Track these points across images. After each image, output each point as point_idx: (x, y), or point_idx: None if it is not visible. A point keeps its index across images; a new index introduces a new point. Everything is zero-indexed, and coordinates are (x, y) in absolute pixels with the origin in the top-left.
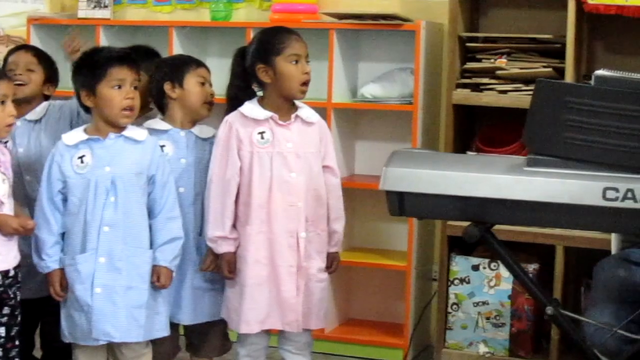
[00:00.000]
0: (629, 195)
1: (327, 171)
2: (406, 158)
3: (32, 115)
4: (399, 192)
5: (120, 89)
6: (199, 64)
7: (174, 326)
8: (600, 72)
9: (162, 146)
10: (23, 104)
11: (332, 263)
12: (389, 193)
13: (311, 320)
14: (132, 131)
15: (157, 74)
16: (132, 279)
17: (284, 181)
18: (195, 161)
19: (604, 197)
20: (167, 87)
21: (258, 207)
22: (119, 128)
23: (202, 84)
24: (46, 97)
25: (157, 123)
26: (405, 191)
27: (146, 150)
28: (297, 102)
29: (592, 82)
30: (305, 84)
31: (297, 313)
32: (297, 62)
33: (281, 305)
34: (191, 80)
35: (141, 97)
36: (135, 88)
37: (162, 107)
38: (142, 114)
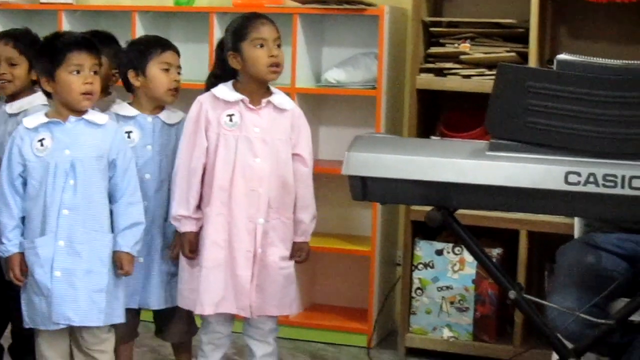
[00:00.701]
0: (591, 179)
1: (297, 160)
2: (369, 143)
3: (10, 108)
4: (362, 176)
5: (79, 74)
6: (165, 48)
7: (134, 312)
8: (562, 56)
9: (128, 132)
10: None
11: (298, 252)
12: (351, 178)
13: (273, 307)
14: (93, 115)
15: (124, 58)
16: (92, 262)
17: (248, 165)
18: (161, 148)
19: (566, 182)
20: (130, 75)
21: (219, 189)
22: (80, 112)
23: (167, 70)
24: (34, 83)
25: (124, 108)
26: (368, 176)
27: (107, 134)
28: (272, 89)
29: (554, 66)
30: (274, 66)
31: (250, 298)
32: (262, 45)
33: (236, 289)
34: (154, 68)
35: (101, 82)
36: (95, 73)
37: (130, 90)
38: (101, 98)
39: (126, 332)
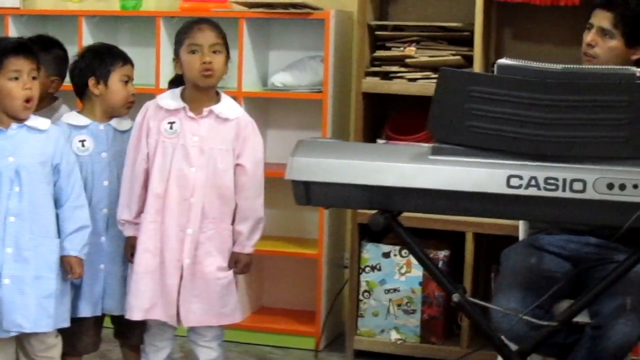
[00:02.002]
0: (533, 182)
1: (239, 170)
2: (312, 147)
3: None
4: (305, 181)
5: (17, 80)
6: (126, 60)
7: (99, 319)
8: (502, 61)
9: (82, 141)
10: None
11: (235, 263)
12: (294, 182)
13: (212, 317)
14: (34, 121)
15: (81, 63)
16: (40, 268)
17: (182, 174)
18: (115, 154)
19: (508, 185)
20: (90, 82)
21: (154, 196)
22: (20, 119)
23: (126, 82)
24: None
25: (76, 118)
26: (311, 180)
27: (50, 139)
28: (223, 96)
29: (494, 70)
30: (205, 71)
31: (176, 308)
32: (194, 52)
33: (165, 297)
34: (116, 79)
35: (40, 88)
36: (34, 78)
37: (82, 96)
38: (47, 105)
39: (90, 343)
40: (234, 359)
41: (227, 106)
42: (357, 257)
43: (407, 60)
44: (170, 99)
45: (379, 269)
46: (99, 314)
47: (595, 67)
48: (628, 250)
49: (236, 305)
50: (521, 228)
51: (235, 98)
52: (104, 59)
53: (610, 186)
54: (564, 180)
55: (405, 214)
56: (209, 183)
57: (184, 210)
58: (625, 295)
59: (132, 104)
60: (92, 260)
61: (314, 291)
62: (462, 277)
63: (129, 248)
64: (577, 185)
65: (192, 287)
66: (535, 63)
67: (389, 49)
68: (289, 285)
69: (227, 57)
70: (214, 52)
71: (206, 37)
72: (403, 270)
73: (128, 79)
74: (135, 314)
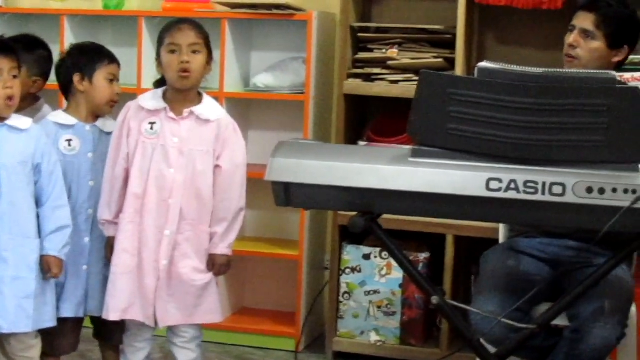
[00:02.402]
0: (512, 185)
1: (217, 171)
2: (292, 149)
3: None
4: (285, 182)
5: None
6: (112, 59)
7: (79, 320)
8: (482, 64)
9: (69, 140)
10: None
11: (211, 264)
12: (274, 184)
13: (188, 318)
14: (15, 120)
15: (68, 61)
16: (19, 269)
17: (161, 176)
18: (101, 155)
19: (488, 188)
20: (76, 78)
21: (133, 196)
22: (2, 118)
23: (111, 80)
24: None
25: (62, 117)
26: (291, 182)
27: (30, 138)
28: (204, 98)
29: (475, 74)
30: (182, 71)
31: (153, 308)
32: (174, 51)
33: (142, 298)
34: (101, 77)
35: (22, 87)
36: (15, 77)
37: (67, 94)
38: (29, 105)
39: (70, 344)
40: None
41: (208, 107)
42: (337, 258)
43: (389, 62)
44: (152, 99)
45: (359, 271)
46: (81, 315)
47: (575, 71)
48: (607, 253)
49: (215, 305)
50: (501, 231)
51: (217, 99)
52: (90, 56)
53: (589, 190)
54: (544, 184)
55: (386, 215)
56: (187, 185)
57: (162, 211)
58: (604, 298)
59: (115, 103)
60: (75, 261)
61: (295, 292)
62: (442, 279)
63: (109, 248)
64: (557, 189)
65: (168, 287)
66: (515, 66)
67: (371, 50)
68: (270, 286)
69: (209, 58)
70: (193, 52)
71: (185, 37)
72: (383, 272)
73: (113, 78)
74: (112, 314)
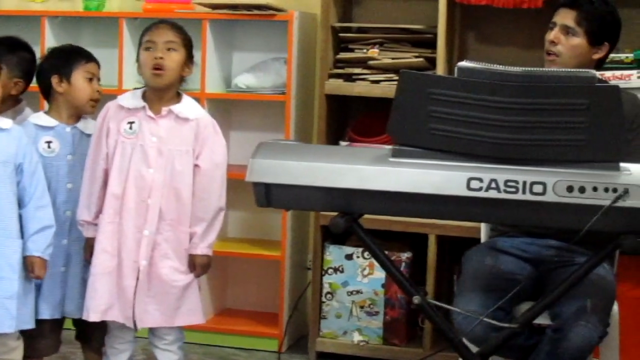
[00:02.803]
0: (493, 185)
1: (196, 171)
2: (272, 149)
3: None
4: (265, 183)
5: None
6: (90, 58)
7: (59, 321)
8: (462, 63)
9: (48, 142)
10: None
11: (193, 265)
12: (255, 184)
13: (169, 319)
14: None
15: (45, 64)
16: (2, 269)
17: (140, 176)
18: (81, 157)
19: (468, 188)
20: (54, 80)
21: (113, 197)
22: None
23: (90, 79)
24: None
25: (43, 119)
26: (271, 182)
27: (11, 138)
28: (183, 97)
29: (455, 73)
30: (155, 68)
31: (133, 308)
32: (149, 49)
33: (121, 298)
34: (79, 76)
35: (3, 89)
36: None
37: (48, 98)
38: (10, 107)
39: (51, 345)
40: None
41: (187, 106)
42: (319, 259)
43: (370, 62)
44: (131, 98)
45: (342, 271)
46: (58, 316)
47: (555, 69)
48: (589, 252)
49: (196, 306)
50: (483, 230)
51: (198, 99)
52: (67, 57)
53: (570, 189)
54: (524, 183)
55: (368, 215)
56: (166, 184)
57: (142, 211)
58: (585, 297)
59: (96, 102)
60: (53, 262)
61: (277, 293)
62: (424, 279)
63: (88, 249)
64: (537, 188)
65: (148, 288)
66: (495, 66)
67: (352, 50)
68: (252, 287)
69: (188, 59)
70: (168, 49)
71: (161, 35)
72: (366, 272)
73: (92, 77)
74: (92, 315)
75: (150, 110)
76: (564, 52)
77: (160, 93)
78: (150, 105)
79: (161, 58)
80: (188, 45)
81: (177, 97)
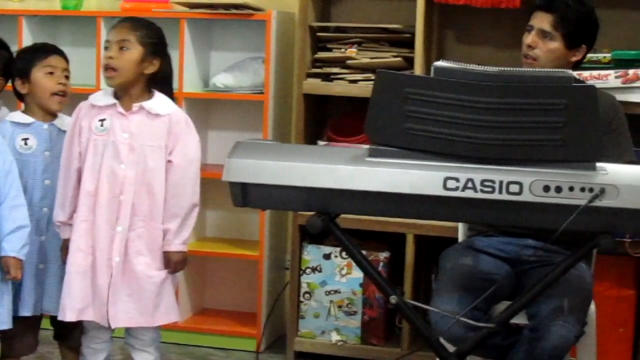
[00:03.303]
0: (469, 185)
1: (168, 166)
2: (249, 149)
3: None
4: (242, 183)
5: None
6: (49, 52)
7: (36, 319)
8: (439, 63)
9: (25, 139)
10: None
11: (168, 262)
12: (232, 184)
13: (148, 317)
14: None
15: (12, 68)
16: None
17: (113, 172)
18: (59, 153)
19: (445, 187)
20: (17, 83)
21: (86, 194)
22: None
23: (51, 73)
24: None
25: (20, 116)
26: (248, 182)
27: None
28: (155, 94)
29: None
30: (106, 68)
31: (109, 308)
32: (106, 48)
33: (96, 297)
34: (38, 74)
35: None
36: None
37: (20, 98)
38: None
39: (28, 344)
40: None
41: (159, 102)
42: (297, 258)
43: (349, 61)
44: (102, 96)
45: (320, 271)
46: (38, 313)
47: (531, 70)
48: (566, 252)
49: (171, 304)
50: (460, 230)
51: (176, 99)
52: (25, 57)
53: (546, 188)
54: (501, 183)
55: (345, 215)
56: (138, 180)
57: (114, 207)
58: (562, 297)
59: (62, 96)
60: (32, 260)
61: (255, 293)
62: (402, 278)
63: (65, 250)
64: (514, 188)
65: (122, 286)
66: (472, 65)
67: (330, 50)
68: (230, 286)
69: (149, 54)
70: (121, 48)
71: (116, 34)
72: (344, 272)
73: (53, 70)
74: (68, 315)
75: (122, 107)
76: (542, 55)
77: (127, 90)
78: (121, 103)
79: (111, 58)
80: (148, 42)
81: (149, 94)
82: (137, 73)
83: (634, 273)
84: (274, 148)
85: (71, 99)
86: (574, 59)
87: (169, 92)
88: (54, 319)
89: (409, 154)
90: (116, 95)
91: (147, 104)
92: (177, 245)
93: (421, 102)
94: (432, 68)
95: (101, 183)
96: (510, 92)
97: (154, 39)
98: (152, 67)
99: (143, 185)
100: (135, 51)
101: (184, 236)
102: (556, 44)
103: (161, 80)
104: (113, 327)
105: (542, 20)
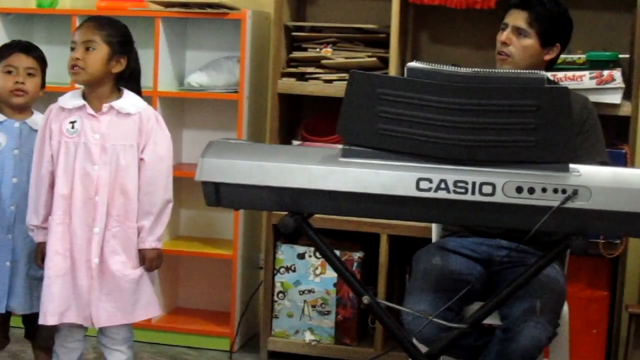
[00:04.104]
0: (442, 185)
1: (141, 164)
2: (222, 148)
3: None
4: (215, 182)
5: None
6: (10, 51)
7: (4, 316)
8: (412, 64)
9: None
10: None
11: (143, 260)
12: (204, 184)
13: (128, 315)
14: None
15: None
16: None
17: (86, 173)
18: (29, 152)
19: (418, 188)
20: None
21: (61, 197)
22: None
23: (9, 72)
24: None
25: None
26: (221, 182)
27: None
28: (124, 93)
29: (405, 73)
30: (72, 68)
31: (91, 309)
32: (72, 49)
33: (78, 299)
34: None
35: None
36: None
37: None
38: None
39: None
40: None
41: (128, 101)
42: (271, 258)
43: (323, 61)
44: (71, 98)
45: (294, 270)
46: (2, 311)
47: (504, 71)
48: (539, 253)
49: (150, 300)
50: (434, 230)
51: (151, 98)
52: None
53: (519, 189)
54: (474, 184)
55: (319, 214)
56: (112, 180)
57: (90, 209)
58: (535, 298)
59: (19, 92)
60: None
61: (229, 292)
62: (376, 278)
63: (39, 254)
64: (487, 189)
65: (101, 286)
66: (444, 66)
67: (305, 50)
68: (204, 286)
69: (115, 53)
70: (87, 48)
71: (81, 34)
72: (318, 272)
73: (12, 69)
74: (49, 319)
75: (91, 108)
76: (516, 53)
77: (97, 90)
78: (90, 103)
79: (77, 59)
80: (113, 41)
81: (118, 93)
82: (105, 72)
83: (608, 274)
84: (246, 148)
85: (47, 96)
86: (548, 57)
87: (137, 89)
88: (25, 318)
89: (381, 154)
90: (84, 96)
91: (117, 104)
92: (151, 242)
93: (394, 103)
94: (405, 69)
95: (75, 185)
96: (483, 93)
97: (120, 37)
98: (119, 66)
99: (116, 184)
100: (101, 51)
101: (158, 233)
102: (531, 41)
103: (129, 78)
104: (97, 327)
105: (517, 18)
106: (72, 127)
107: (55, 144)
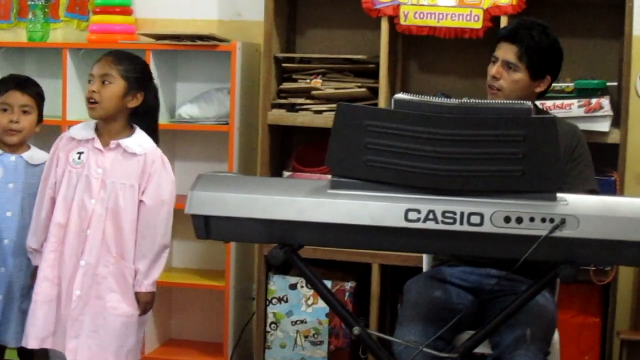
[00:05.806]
0: (430, 216)
1: (140, 206)
2: (211, 181)
3: None
4: (204, 215)
5: None
6: (7, 88)
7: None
8: (399, 95)
9: None
10: None
11: (137, 302)
12: (194, 217)
13: (109, 354)
14: None
15: None
16: None
17: (83, 205)
18: (24, 186)
19: (406, 219)
20: None
21: (57, 226)
22: None
23: (5, 110)
24: None
25: None
26: (210, 215)
27: None
28: (136, 131)
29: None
30: (88, 100)
31: (74, 339)
32: (90, 81)
33: (59, 327)
34: None
35: None
36: None
37: None
38: None
39: None
40: None
41: (137, 141)
42: (263, 288)
43: (313, 92)
44: (82, 129)
45: (286, 301)
46: None
47: (490, 101)
48: (529, 281)
49: (134, 347)
50: (425, 259)
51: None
52: None
53: (507, 219)
54: (462, 214)
55: (309, 246)
56: (108, 217)
57: (81, 241)
58: (525, 326)
59: (13, 131)
60: None
61: (222, 323)
62: (368, 308)
63: (34, 277)
64: (475, 219)
65: (86, 321)
66: (432, 97)
67: (295, 80)
68: (197, 317)
69: (131, 89)
70: (103, 82)
71: (99, 67)
72: (310, 302)
73: (7, 107)
74: (30, 342)
75: (100, 142)
76: (506, 86)
77: (107, 125)
78: (100, 137)
79: (94, 92)
80: (130, 77)
81: (130, 129)
82: (120, 107)
83: (599, 301)
84: (235, 180)
85: (41, 129)
86: (538, 89)
87: (152, 125)
88: (20, 351)
89: (370, 185)
90: (96, 128)
91: (124, 142)
92: (146, 285)
93: (381, 134)
94: (392, 100)
95: (72, 215)
96: (470, 123)
97: (137, 73)
98: (134, 101)
99: (112, 222)
100: (117, 85)
101: (153, 276)
102: (520, 75)
103: (144, 114)
104: (69, 359)
105: (506, 52)
106: (79, 158)
107: (59, 172)
